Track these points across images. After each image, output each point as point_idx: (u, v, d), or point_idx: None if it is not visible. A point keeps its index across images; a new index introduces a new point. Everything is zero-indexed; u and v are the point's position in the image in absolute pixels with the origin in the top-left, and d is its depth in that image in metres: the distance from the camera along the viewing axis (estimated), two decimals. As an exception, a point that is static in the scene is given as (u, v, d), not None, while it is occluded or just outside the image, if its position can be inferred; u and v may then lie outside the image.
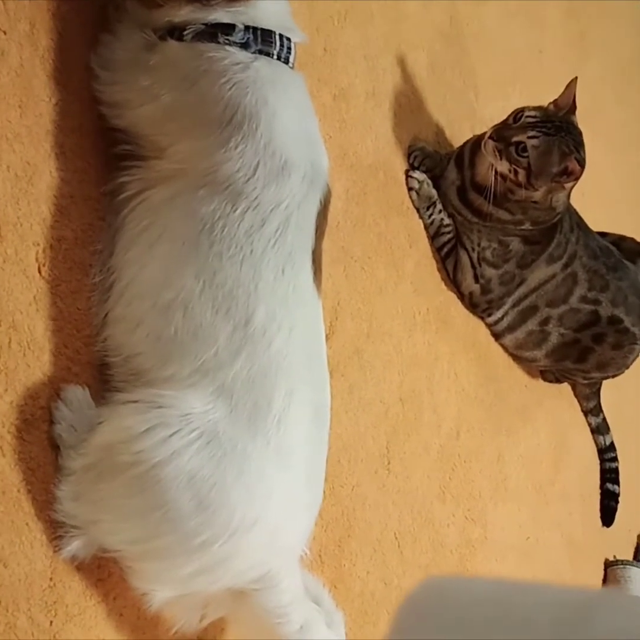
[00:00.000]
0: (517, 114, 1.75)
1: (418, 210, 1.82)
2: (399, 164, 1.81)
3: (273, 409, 1.07)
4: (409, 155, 1.83)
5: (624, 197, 2.76)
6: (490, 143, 1.73)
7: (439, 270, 1.85)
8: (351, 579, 1.48)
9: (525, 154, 1.70)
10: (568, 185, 1.77)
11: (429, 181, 1.82)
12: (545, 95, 1.89)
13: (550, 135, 1.71)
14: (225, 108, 1.12)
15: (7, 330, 1.04)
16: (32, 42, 1.13)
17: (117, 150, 1.18)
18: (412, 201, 1.81)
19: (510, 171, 1.73)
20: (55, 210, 1.12)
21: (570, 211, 1.89)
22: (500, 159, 1.72)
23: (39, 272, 1.09)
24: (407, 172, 1.82)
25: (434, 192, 1.82)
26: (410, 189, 1.81)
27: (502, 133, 1.73)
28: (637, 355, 2.01)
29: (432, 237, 1.84)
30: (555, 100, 1.78)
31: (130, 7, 1.20)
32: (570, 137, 1.73)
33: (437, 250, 1.85)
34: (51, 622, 1.02)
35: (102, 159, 1.18)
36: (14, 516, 1.01)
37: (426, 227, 1.83)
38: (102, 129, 1.18)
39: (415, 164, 1.83)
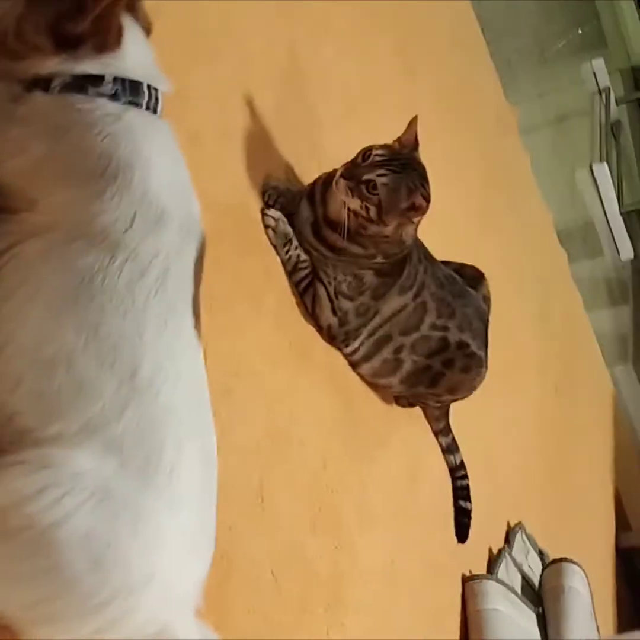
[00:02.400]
0: (366, 152, 1.81)
1: (275, 247, 1.85)
2: (255, 203, 1.83)
3: (163, 460, 1.07)
4: (263, 194, 1.87)
5: (457, 223, 2.88)
6: (342, 181, 1.79)
7: (298, 305, 1.89)
8: (234, 620, 1.48)
9: (376, 192, 1.77)
10: (416, 219, 1.84)
11: (285, 219, 1.86)
12: (383, 129, 1.97)
13: (398, 173, 1.78)
14: (98, 159, 1.12)
15: None
16: None
17: (-15, 203, 1.15)
18: (269, 239, 1.85)
19: (362, 208, 1.79)
20: None
21: (417, 243, 1.97)
22: (352, 196, 1.78)
23: None
24: (262, 210, 1.85)
25: (289, 229, 1.86)
26: (266, 226, 1.84)
27: (353, 172, 1.79)
28: (484, 378, 2.11)
29: (290, 273, 1.88)
30: (399, 138, 1.85)
31: (-8, 58, 1.17)
32: (415, 173, 1.81)
33: (295, 285, 1.89)
34: (-57, 699, 0.98)
35: (-31, 214, 1.15)
36: None
37: (284, 264, 1.87)
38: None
39: (270, 202, 1.87)
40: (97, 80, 1.15)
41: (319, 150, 2.13)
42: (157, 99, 1.21)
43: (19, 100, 1.15)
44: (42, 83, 1.15)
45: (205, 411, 1.19)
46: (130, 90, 1.17)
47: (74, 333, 1.07)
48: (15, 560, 1.00)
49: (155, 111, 1.20)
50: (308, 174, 2.01)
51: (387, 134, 1.88)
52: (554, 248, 4.11)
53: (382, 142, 1.85)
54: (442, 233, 2.06)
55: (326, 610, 1.72)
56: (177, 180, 1.20)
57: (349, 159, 1.85)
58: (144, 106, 1.19)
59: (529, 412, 3.20)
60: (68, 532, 0.99)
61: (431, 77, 3.05)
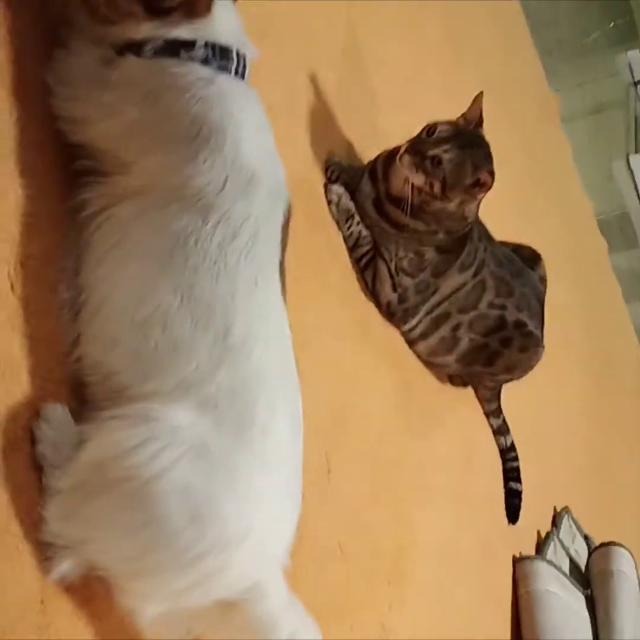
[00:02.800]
0: (430, 128, 1.81)
1: (337, 222, 1.87)
2: (318, 179, 1.85)
3: (257, 420, 1.09)
4: (326, 170, 1.88)
5: (500, 208, 2.88)
6: (407, 157, 1.79)
7: (358, 280, 1.90)
8: (302, 589, 1.49)
9: (441, 167, 1.77)
10: (479, 196, 1.85)
11: (347, 194, 1.87)
12: (434, 110, 1.97)
13: (463, 149, 1.78)
14: (191, 123, 1.13)
15: (-14, 351, 1.01)
16: (-9, 57, 1.11)
17: (77, 165, 1.17)
18: (332, 214, 1.86)
19: (425, 184, 1.79)
20: (22, 227, 1.10)
21: (478, 221, 1.98)
22: (417, 172, 1.78)
23: (12, 290, 1.06)
24: (325, 186, 1.86)
25: (351, 205, 1.87)
26: (329, 202, 1.85)
27: (418, 147, 1.79)
28: (540, 357, 2.11)
29: (351, 249, 1.89)
30: (463, 114, 1.85)
31: (84, 23, 1.19)
32: (480, 150, 1.82)
33: (355, 261, 1.90)
34: (45, 646, 1.00)
35: (63, 175, 1.17)
36: (4, 539, 0.99)
37: (345, 239, 1.88)
38: (62, 144, 1.17)
39: (333, 178, 1.88)
40: (188, 45, 1.16)
41: (376, 129, 2.14)
42: (245, 65, 1.22)
43: (112, 64, 1.16)
44: (135, 48, 1.16)
45: (293, 374, 1.20)
46: (220, 55, 1.18)
47: (169, 294, 1.09)
48: (115, 512, 1.01)
49: (243, 77, 1.22)
50: (367, 151, 2.02)
51: (436, 115, 1.88)
52: (594, 237, 4.10)
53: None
54: (485, 216, 2.05)
55: (389, 583, 1.73)
56: (265, 145, 1.22)
57: (404, 138, 1.86)
58: (233, 71, 1.20)
59: (573, 397, 3.20)
60: (167, 485, 1.01)
61: (478, 64, 3.06)
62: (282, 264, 1.20)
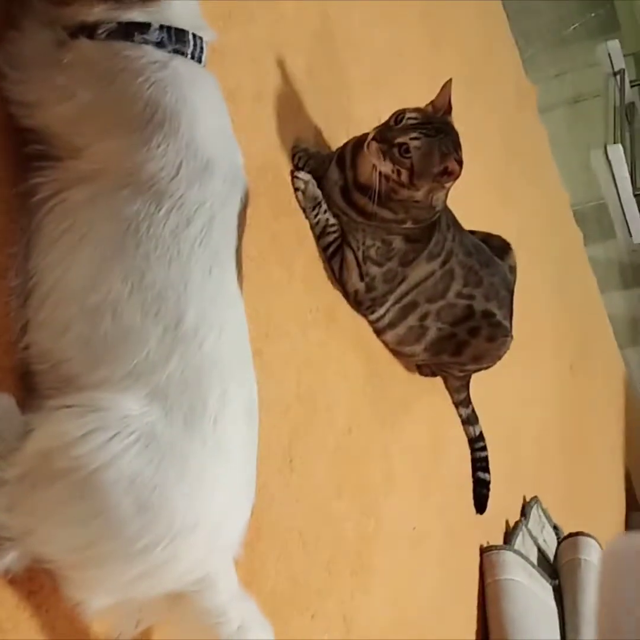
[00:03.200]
0: (398, 115, 1.80)
1: (304, 210, 1.85)
2: (285, 165, 1.83)
3: (208, 409, 1.07)
4: (293, 156, 1.86)
5: (476, 194, 2.87)
6: (374, 144, 1.77)
7: (325, 269, 1.88)
8: (262, 579, 1.49)
9: (408, 155, 1.75)
10: (447, 184, 1.83)
11: (314, 182, 1.85)
12: (409, 96, 1.96)
13: (431, 137, 1.77)
14: (145, 107, 1.11)
15: None
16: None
17: (29, 150, 1.14)
18: (299, 201, 1.84)
19: (393, 171, 1.77)
20: (-29, 212, 1.08)
21: (446, 210, 1.96)
22: (384, 159, 1.77)
23: (-41, 277, 1.04)
24: (292, 172, 1.84)
25: (318, 192, 1.85)
26: (296, 189, 1.83)
27: (385, 134, 1.78)
28: (508, 347, 2.11)
29: (318, 237, 1.87)
30: (432, 102, 1.84)
31: (37, 5, 1.16)
32: (448, 138, 1.80)
33: (322, 249, 1.88)
34: (-13, 639, 0.98)
35: (14, 160, 1.14)
36: (-54, 532, 0.97)
37: (312, 227, 1.86)
38: (13, 129, 1.14)
39: (300, 165, 1.86)
40: (143, 27, 1.14)
41: (347, 116, 2.12)
42: (202, 48, 1.20)
43: (65, 46, 1.14)
44: (88, 30, 1.14)
45: (247, 363, 1.18)
46: (176, 39, 1.16)
47: (119, 281, 1.07)
48: (61, 503, 0.99)
49: (200, 60, 1.20)
50: (336, 138, 2.01)
51: (412, 102, 1.86)
52: (570, 227, 4.10)
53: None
54: (461, 204, 2.04)
55: (352, 574, 1.72)
56: (221, 130, 1.20)
57: (376, 124, 1.84)
58: (189, 55, 1.18)
59: (545, 387, 3.21)
60: (115, 475, 0.99)
61: (454, 49, 3.04)
62: (238, 251, 1.19)
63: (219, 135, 1.18)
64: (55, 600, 1.06)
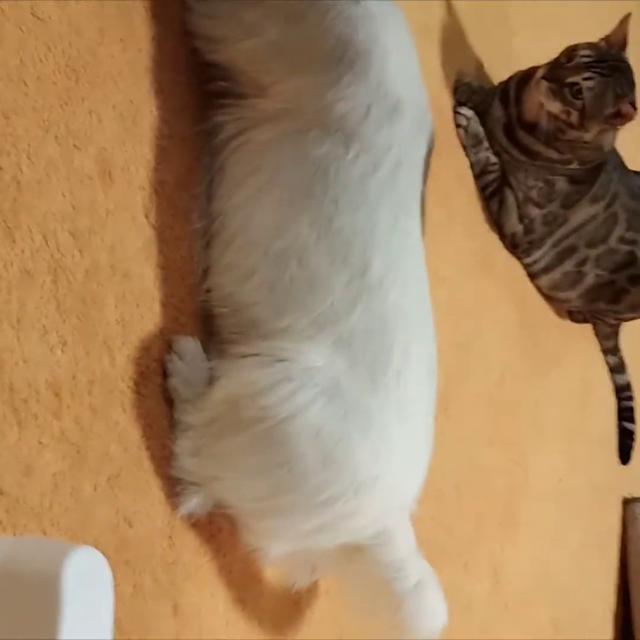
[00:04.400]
0: (571, 52, 1.69)
1: (465, 147, 1.78)
2: (447, 100, 1.76)
3: (392, 363, 1.04)
4: (455, 90, 1.78)
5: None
6: (544, 83, 1.68)
7: (482, 210, 1.82)
8: (417, 526, 1.46)
9: (580, 96, 1.66)
10: (619, 127, 1.74)
11: (476, 118, 1.78)
12: (572, 30, 1.85)
13: (605, 76, 1.67)
14: (336, 44, 1.06)
15: (122, 279, 0.98)
16: (130, -29, 1.05)
17: (213, 86, 1.11)
18: (460, 138, 1.77)
19: (562, 112, 1.68)
20: (157, 152, 1.06)
21: (613, 150, 1.87)
22: (554, 99, 1.68)
23: (146, 218, 1.03)
24: (455, 108, 1.77)
25: (481, 129, 1.78)
26: (458, 125, 1.76)
27: (556, 73, 1.68)
28: (670, 298, 2.01)
29: (477, 176, 1.80)
30: (607, 37, 1.73)
31: None
32: (623, 77, 1.69)
33: (481, 189, 1.81)
34: (172, 581, 0.99)
35: (198, 97, 1.12)
36: (136, 474, 0.97)
37: (472, 166, 1.79)
38: (197, 64, 1.12)
39: (462, 100, 1.78)
40: (335, -39, 1.08)
41: (509, 49, 2.03)
42: (391, -17, 1.14)
43: (253, -20, 1.09)
44: (278, -37, 1.09)
45: (429, 316, 1.14)
46: (367, -27, 1.10)
47: (307, 226, 1.03)
48: (247, 451, 0.99)
49: (389, -3, 1.14)
50: (497, 73, 1.92)
51: (574, 37, 1.76)
52: None
53: (567, 43, 1.72)
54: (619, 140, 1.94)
55: (501, 524, 1.70)
56: (410, 69, 1.14)
57: (537, 58, 1.74)
58: (379, -10, 1.12)
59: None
60: (300, 426, 0.97)
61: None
62: (423, 197, 1.14)
63: (408, 75, 1.12)
64: (232, 545, 1.07)
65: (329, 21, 1.06)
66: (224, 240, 1.06)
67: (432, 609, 1.07)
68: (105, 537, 0.92)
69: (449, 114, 1.76)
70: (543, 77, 1.68)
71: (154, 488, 0.99)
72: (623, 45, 1.72)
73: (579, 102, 1.66)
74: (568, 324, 2.12)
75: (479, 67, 1.91)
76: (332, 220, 1.04)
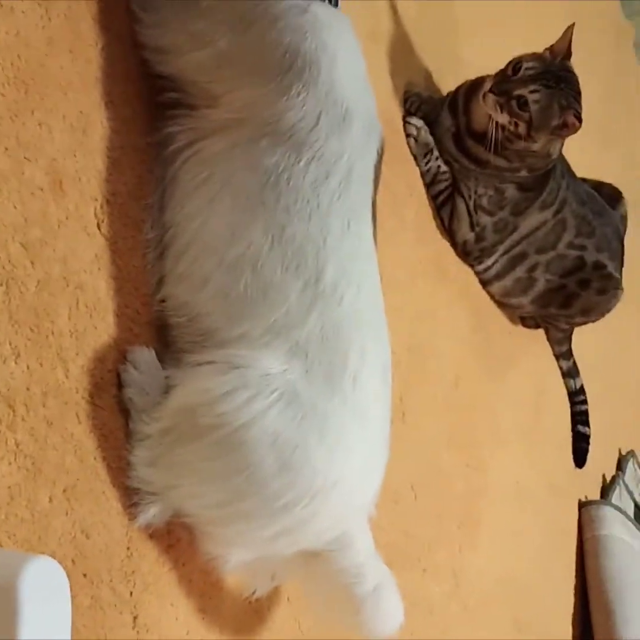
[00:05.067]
0: (516, 64, 1.72)
1: (415, 157, 1.80)
2: (397, 110, 1.78)
3: (348, 367, 1.05)
4: (405, 101, 1.80)
5: (583, 136, 2.78)
6: (491, 97, 1.70)
7: (434, 218, 1.84)
8: (376, 531, 1.47)
9: (527, 108, 1.69)
10: (565, 136, 1.77)
11: (426, 128, 1.80)
12: (515, 38, 1.87)
13: (550, 88, 1.69)
14: (284, 54, 1.08)
15: (74, 290, 0.98)
16: (77, -18, 1.05)
17: (163, 98, 1.12)
18: (410, 148, 1.79)
19: (510, 123, 1.71)
20: (108, 162, 1.06)
21: (561, 158, 1.90)
22: (501, 112, 1.70)
23: (99, 228, 1.03)
24: (405, 118, 1.79)
25: (430, 138, 1.80)
26: (408, 135, 1.79)
27: (502, 86, 1.70)
28: (619, 300, 2.05)
29: (428, 185, 1.82)
30: (551, 47, 1.76)
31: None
32: (568, 88, 1.72)
33: (432, 198, 1.84)
34: (131, 592, 0.99)
35: (149, 108, 1.12)
36: (92, 485, 0.97)
37: (423, 175, 1.81)
38: (148, 75, 1.12)
39: (412, 110, 1.80)
40: (282, -30, 1.10)
41: (456, 57, 2.06)
42: (338, -9, 1.15)
43: (201, -10, 1.10)
44: (225, -27, 1.10)
45: (382, 320, 1.16)
46: (314, -18, 1.12)
47: (260, 234, 1.04)
48: (205, 459, 0.99)
49: (336, 5, 1.15)
50: (445, 81, 1.95)
51: (518, 44, 1.79)
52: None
53: (515, 54, 1.75)
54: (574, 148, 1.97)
55: (459, 527, 1.71)
56: (359, 76, 1.16)
57: (484, 68, 1.77)
58: (326, -1, 1.13)
59: (640, 339, 3.13)
60: (258, 433, 0.98)
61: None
62: (374, 204, 1.15)
63: (357, 83, 1.14)
64: (192, 554, 1.06)
65: (277, 30, 1.07)
66: (177, 249, 1.06)
67: (390, 611, 1.08)
68: (62, 548, 0.91)
69: (399, 123, 1.78)
70: (490, 91, 1.71)
71: (111, 499, 0.98)
72: (567, 54, 1.75)
73: (525, 114, 1.69)
74: (521, 329, 2.15)
75: (428, 77, 1.93)
76: (285, 228, 1.05)
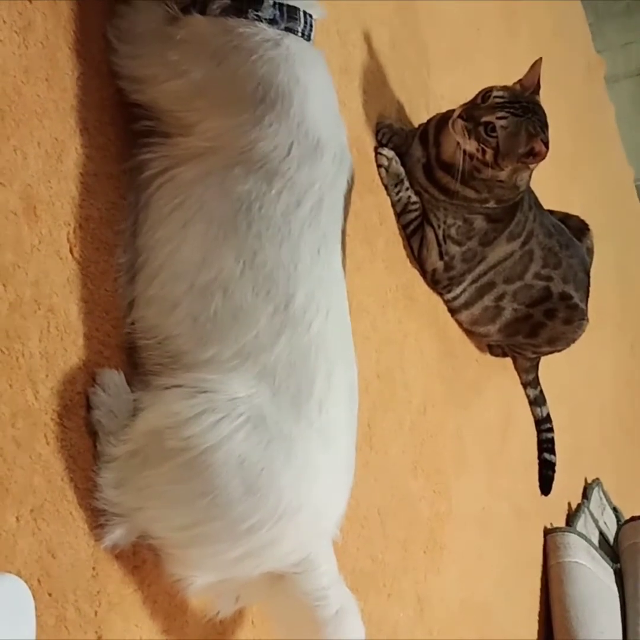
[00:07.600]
0: (485, 93, 1.77)
1: (386, 187, 1.83)
2: (369, 141, 1.81)
3: (315, 391, 1.07)
4: (377, 132, 1.84)
5: (544, 169, 2.83)
6: (460, 122, 1.75)
7: (404, 247, 1.87)
8: (343, 556, 1.49)
9: (494, 134, 1.73)
10: (532, 165, 1.81)
11: (397, 158, 1.83)
12: (485, 72, 1.91)
13: (518, 116, 1.74)
14: (258, 86, 1.10)
15: (46, 313, 1.00)
16: (55, 12, 1.07)
17: (138, 126, 1.14)
18: (381, 178, 1.82)
19: (478, 150, 1.75)
20: (82, 188, 1.08)
21: (529, 190, 1.94)
22: (469, 138, 1.74)
23: (71, 253, 1.05)
24: (376, 149, 1.82)
25: (401, 169, 1.83)
26: (379, 166, 1.82)
27: (471, 113, 1.75)
28: (584, 330, 2.09)
29: (399, 215, 1.86)
30: (520, 80, 1.81)
31: (148, -22, 1.15)
32: (536, 117, 1.77)
33: (403, 227, 1.87)
34: (96, 612, 1.00)
35: (123, 135, 1.14)
36: (59, 506, 0.98)
37: (393, 204, 1.85)
38: (123, 104, 1.14)
39: (383, 141, 1.84)
40: (256, 3, 1.13)
41: (427, 91, 2.09)
42: (311, 26, 1.19)
43: (177, 22, 1.13)
44: (201, 5, 1.13)
45: (350, 346, 1.18)
46: (288, 16, 1.15)
47: (232, 259, 1.06)
48: (171, 482, 1.00)
49: (309, 38, 1.18)
50: (417, 113, 1.99)
51: (488, 77, 1.83)
52: (633, 204, 4.04)
53: (484, 85, 1.79)
54: (542, 181, 2.01)
55: (425, 552, 1.73)
56: (330, 109, 1.19)
57: (455, 99, 1.81)
58: (300, 33, 1.16)
59: (607, 368, 3.17)
60: (224, 456, 0.99)
61: (529, 25, 2.99)
62: (343, 232, 1.18)
63: (328, 115, 1.17)
64: (157, 576, 1.08)
65: (251, 63, 1.10)
66: (148, 273, 1.08)
67: (352, 635, 1.10)
68: (28, 568, 0.92)
69: (371, 154, 1.81)
70: (459, 116, 1.74)
71: (78, 519, 1.00)
72: (536, 88, 1.79)
73: (493, 140, 1.72)
74: (489, 357, 2.18)
75: (400, 109, 1.97)
76: (257, 254, 1.07)
